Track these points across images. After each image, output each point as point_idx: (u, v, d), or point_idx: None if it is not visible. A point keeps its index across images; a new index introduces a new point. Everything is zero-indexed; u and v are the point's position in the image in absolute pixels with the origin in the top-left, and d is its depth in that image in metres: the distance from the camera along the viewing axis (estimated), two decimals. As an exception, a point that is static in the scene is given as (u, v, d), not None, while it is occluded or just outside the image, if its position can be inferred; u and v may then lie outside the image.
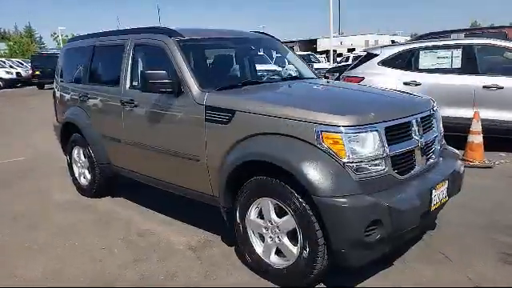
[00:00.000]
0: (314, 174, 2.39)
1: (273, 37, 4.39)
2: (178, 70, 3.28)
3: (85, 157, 4.63)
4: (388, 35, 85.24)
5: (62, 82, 5.04)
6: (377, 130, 2.50)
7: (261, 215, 2.81)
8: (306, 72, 4.18)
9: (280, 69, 4.42)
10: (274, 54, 4.42)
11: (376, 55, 6.88)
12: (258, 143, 2.73)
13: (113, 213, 4.23)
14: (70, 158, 4.89)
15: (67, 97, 4.83)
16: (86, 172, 4.68)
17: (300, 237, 2.55)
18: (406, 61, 6.60)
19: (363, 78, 6.68)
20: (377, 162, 2.48)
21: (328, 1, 23.17)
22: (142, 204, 4.38)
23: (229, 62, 4.09)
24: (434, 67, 6.33)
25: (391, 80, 6.36)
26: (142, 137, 3.69)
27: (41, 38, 73.15)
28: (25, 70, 26.38)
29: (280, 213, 2.68)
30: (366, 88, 3.71)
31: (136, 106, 3.67)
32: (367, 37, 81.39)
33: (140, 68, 3.84)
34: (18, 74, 25.83)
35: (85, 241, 3.60)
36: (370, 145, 2.46)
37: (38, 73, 23.64)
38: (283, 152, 2.54)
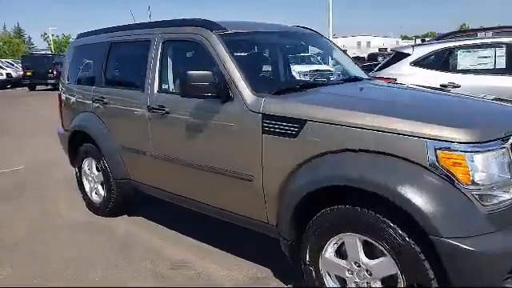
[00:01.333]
0: (430, 205, 1.81)
1: (317, 32, 3.81)
2: (224, 70, 2.69)
3: (98, 170, 4.01)
4: (380, 37, 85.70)
5: (69, 83, 4.40)
6: (504, 147, 1.94)
7: (341, 253, 2.23)
8: (360, 73, 3.61)
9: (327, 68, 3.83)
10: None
11: (407, 55, 6.34)
12: (340, 163, 2.15)
13: (134, 236, 3.61)
14: (80, 172, 4.26)
15: (76, 101, 4.20)
16: (100, 187, 4.06)
17: (403, 285, 1.97)
18: (441, 61, 6.07)
19: (395, 79, 6.13)
20: (505, 188, 1.92)
21: (326, 2, 22.48)
22: (167, 225, 3.77)
23: (280, 60, 3.50)
24: (474, 67, 5.81)
25: (426, 82, 5.82)
26: (174, 150, 3.09)
27: (30, 38, 71.98)
28: (15, 71, 25.49)
29: (369, 251, 2.11)
30: (452, 92, 3.11)
31: (167, 112, 3.06)
32: (358, 38, 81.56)
33: (170, 68, 3.23)
34: (8, 74, 24.93)
35: (106, 274, 2.99)
36: (498, 166, 1.90)
37: (29, 74, 22.88)
38: (382, 175, 1.96)
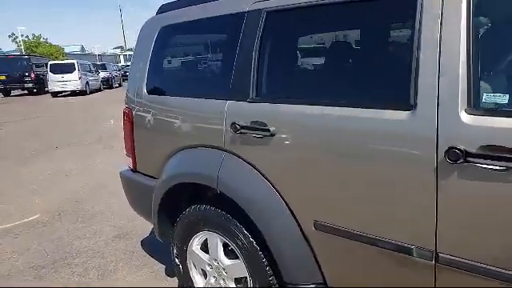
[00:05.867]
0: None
1: None
2: None
3: (230, 257, 2.13)
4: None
5: (153, 95, 2.46)
6: None
7: None
8: None
9: None
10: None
11: None
12: None
13: None
14: (182, 253, 2.36)
15: (177, 127, 2.28)
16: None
17: None
18: None
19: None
20: None
21: None
22: None
23: None
24: None
25: None
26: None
27: (-7, 39, 67.35)
28: (-15, 76, 22.77)
29: None
30: None
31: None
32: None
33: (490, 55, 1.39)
34: (-23, 79, 22.22)
35: None
36: None
37: (2, 78, 20.42)
38: None
